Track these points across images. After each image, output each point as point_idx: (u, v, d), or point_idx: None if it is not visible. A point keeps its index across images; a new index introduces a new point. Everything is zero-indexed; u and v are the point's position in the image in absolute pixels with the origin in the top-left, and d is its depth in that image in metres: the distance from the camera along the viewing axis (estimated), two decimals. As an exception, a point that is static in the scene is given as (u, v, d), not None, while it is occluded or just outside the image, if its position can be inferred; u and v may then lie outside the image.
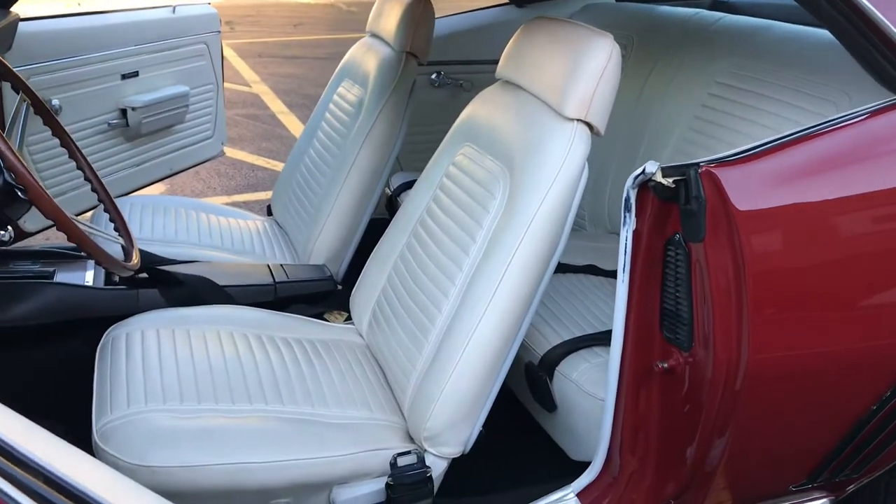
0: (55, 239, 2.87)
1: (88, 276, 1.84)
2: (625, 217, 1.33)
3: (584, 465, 1.62)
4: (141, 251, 1.94)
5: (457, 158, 1.72)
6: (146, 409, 1.41)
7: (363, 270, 1.89)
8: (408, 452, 1.45)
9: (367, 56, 2.33)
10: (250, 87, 6.82)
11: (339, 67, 2.50)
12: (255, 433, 1.40)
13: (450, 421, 1.45)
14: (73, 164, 1.83)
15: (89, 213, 2.56)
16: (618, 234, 2.30)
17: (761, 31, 1.96)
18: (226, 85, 3.50)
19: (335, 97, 2.43)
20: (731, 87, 1.92)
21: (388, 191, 2.64)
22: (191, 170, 3.48)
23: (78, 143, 2.50)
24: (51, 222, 2.10)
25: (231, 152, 4.95)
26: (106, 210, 1.77)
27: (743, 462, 1.39)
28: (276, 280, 1.98)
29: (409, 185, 2.65)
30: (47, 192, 1.23)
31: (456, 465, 1.51)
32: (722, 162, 1.24)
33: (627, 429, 1.44)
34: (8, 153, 1.25)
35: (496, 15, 2.86)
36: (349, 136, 2.21)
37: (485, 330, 1.43)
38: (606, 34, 1.45)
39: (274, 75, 7.32)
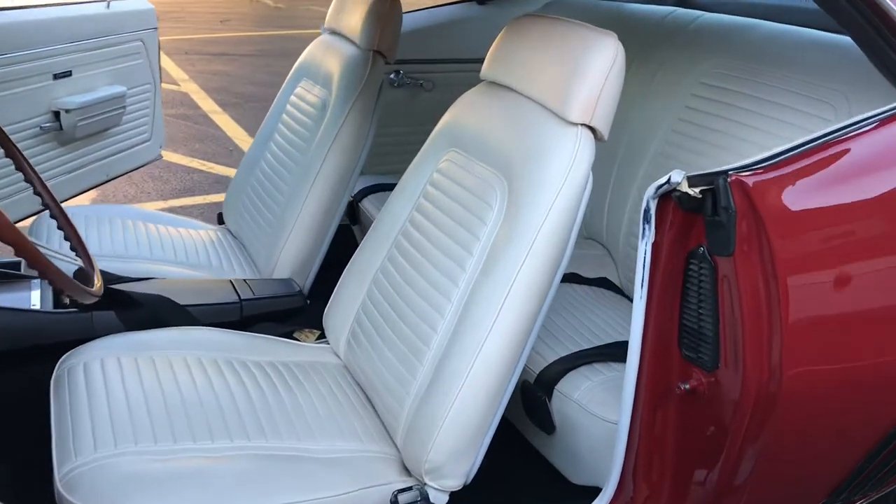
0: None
1: (34, 298, 1.66)
2: (644, 229, 1.24)
3: (585, 490, 1.53)
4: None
5: (441, 165, 1.61)
6: (116, 451, 1.26)
7: (337, 286, 1.76)
8: (409, 488, 1.34)
9: (328, 55, 2.20)
10: (179, 85, 6.55)
11: (295, 67, 2.35)
12: (240, 475, 1.26)
13: (453, 451, 1.33)
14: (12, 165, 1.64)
15: (27, 222, 2.35)
16: (594, 240, 2.23)
17: (747, 30, 1.90)
18: (155, 84, 3.32)
19: (293, 98, 2.28)
20: (717, 88, 1.86)
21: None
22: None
23: (9, 149, 2.29)
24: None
25: (164, 154, 4.72)
26: (54, 217, 1.58)
27: (766, 484, 1.32)
28: (242, 297, 1.84)
29: (372, 190, 2.52)
30: (4, 213, 1.07)
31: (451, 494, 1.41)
32: (751, 169, 1.16)
33: (642, 452, 1.35)
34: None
35: (457, 12, 2.75)
36: (313, 141, 2.07)
37: (490, 351, 1.33)
38: (610, 33, 1.36)
39: (203, 73, 7.05)
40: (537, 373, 1.61)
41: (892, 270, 1.20)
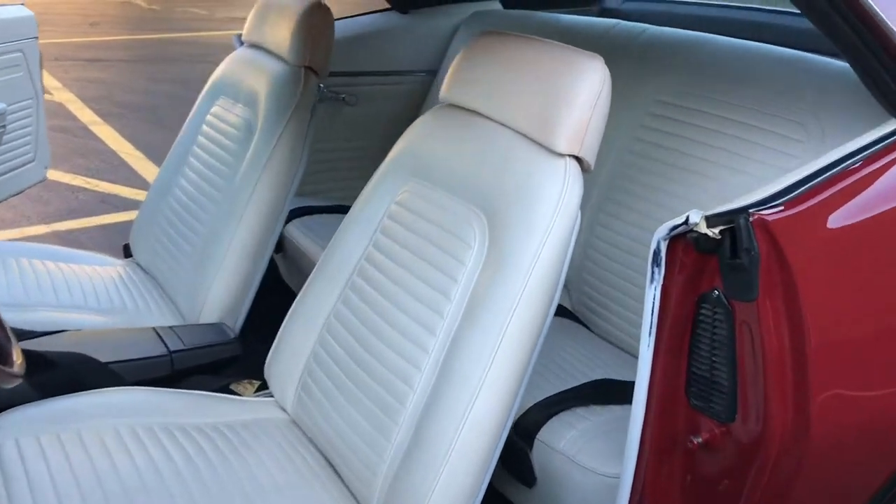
0: None
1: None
2: (652, 273, 1.13)
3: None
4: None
5: (401, 197, 1.46)
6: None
7: (281, 331, 1.57)
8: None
9: (250, 71, 2.00)
10: (52, 94, 6.07)
11: (209, 84, 2.13)
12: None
13: (444, 527, 1.19)
14: None
15: None
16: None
17: (701, 45, 1.84)
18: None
19: (210, 118, 2.07)
20: (676, 107, 1.78)
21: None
22: (-1, 197, 2.96)
23: None
24: None
25: (44, 172, 4.33)
26: None
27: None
28: (171, 349, 1.62)
29: (295, 214, 2.33)
30: None
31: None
32: (771, 206, 1.07)
33: (646, 510, 1.25)
34: None
35: (377, 22, 2.60)
36: (239, 166, 1.87)
37: (481, 410, 1.19)
38: (595, 55, 1.24)
39: (78, 81, 6.58)
40: (515, 419, 1.49)
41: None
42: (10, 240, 3.36)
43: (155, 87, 6.49)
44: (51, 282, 1.86)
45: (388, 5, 2.63)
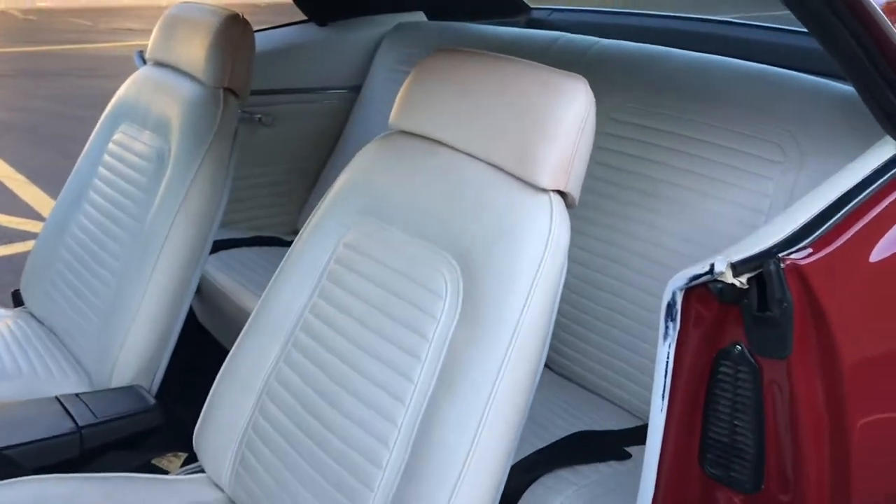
0: None
1: None
2: (666, 328, 0.98)
3: None
4: None
5: (349, 238, 1.27)
6: None
7: (210, 397, 1.36)
8: None
9: (159, 94, 1.76)
10: (-83, 114, 5.55)
11: (110, 107, 1.88)
12: None
13: None
14: None
15: None
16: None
17: (660, 60, 1.71)
18: None
19: (112, 147, 1.82)
20: (633, 126, 1.65)
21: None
22: None
23: None
24: None
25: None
26: None
27: None
28: (80, 424, 1.38)
29: (218, 246, 2.10)
30: None
31: None
32: (800, 248, 0.94)
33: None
34: None
35: (294, 35, 2.39)
36: (152, 203, 1.63)
37: (469, 489, 1.02)
38: (577, 76, 1.09)
39: (-53, 99, 6.05)
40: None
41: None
42: None
43: (35, 103, 6.03)
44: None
45: (304, 17, 2.43)
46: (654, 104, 1.62)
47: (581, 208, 1.70)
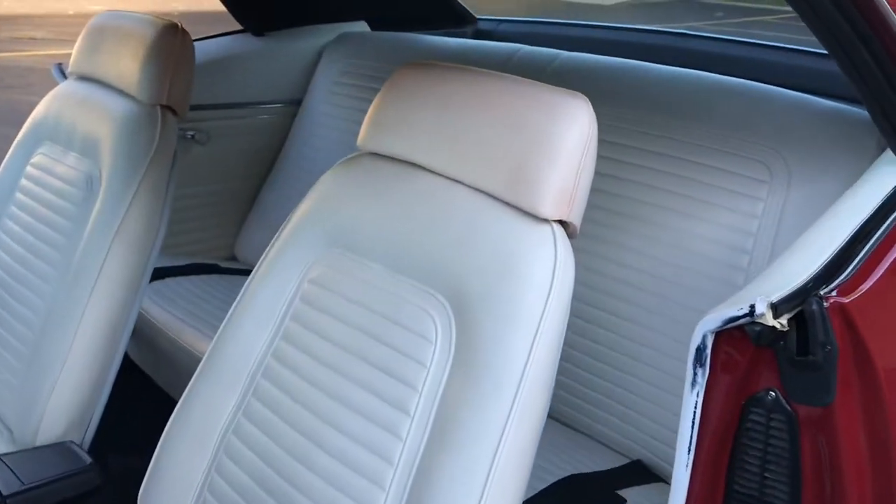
0: None
1: None
2: (694, 375, 0.88)
3: None
4: None
5: (314, 274, 1.13)
6: None
7: (158, 452, 1.20)
8: None
9: (84, 111, 1.58)
10: None
11: (27, 126, 1.69)
12: None
13: None
14: None
15: None
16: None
17: (629, 74, 1.63)
18: None
19: (31, 171, 1.63)
20: (609, 144, 1.56)
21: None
22: None
23: None
24: None
25: None
26: None
27: None
28: (4, 492, 1.20)
29: (154, 275, 1.91)
30: None
31: None
32: (840, 284, 0.85)
33: None
34: None
35: (228, 46, 2.22)
36: (82, 232, 1.46)
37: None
38: (578, 94, 0.99)
39: None
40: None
41: None
42: None
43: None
44: None
45: (239, 27, 2.27)
46: (631, 120, 1.53)
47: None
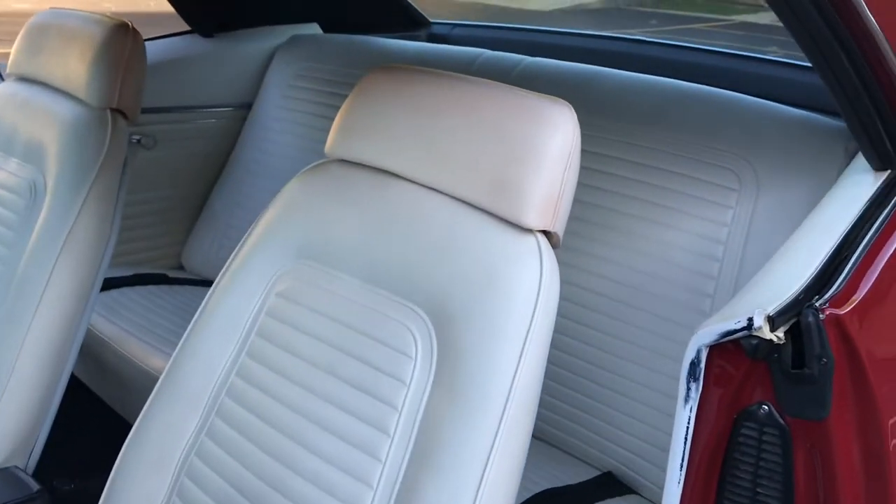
0: None
1: None
2: (688, 390, 0.86)
3: None
4: None
5: (282, 287, 1.08)
6: None
7: (114, 474, 1.13)
8: None
9: (26, 114, 1.49)
10: None
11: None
12: None
13: None
14: None
15: None
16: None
17: (594, 80, 1.61)
18: None
19: (-32, 176, 1.53)
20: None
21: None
22: None
23: None
24: None
25: None
26: None
27: None
28: (-57, 525, 1.12)
29: (111, 284, 1.83)
30: None
31: None
32: (833, 296, 0.84)
33: None
34: None
35: (176, 47, 2.14)
36: (24, 244, 1.37)
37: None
38: (561, 101, 0.96)
39: None
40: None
41: None
42: None
43: None
44: None
45: (187, 27, 2.19)
46: (598, 127, 1.51)
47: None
